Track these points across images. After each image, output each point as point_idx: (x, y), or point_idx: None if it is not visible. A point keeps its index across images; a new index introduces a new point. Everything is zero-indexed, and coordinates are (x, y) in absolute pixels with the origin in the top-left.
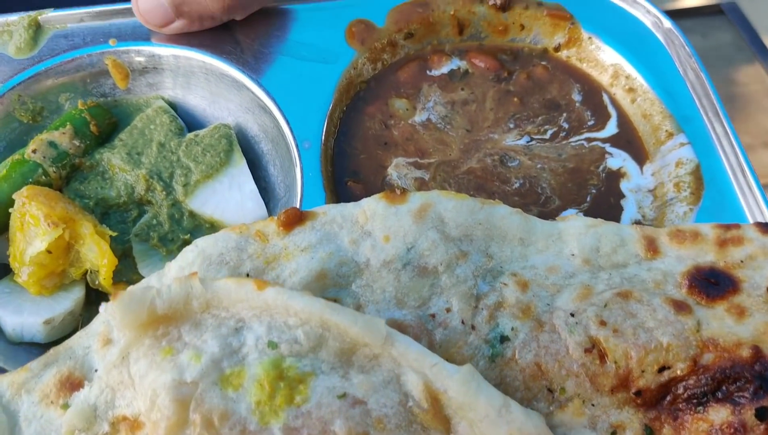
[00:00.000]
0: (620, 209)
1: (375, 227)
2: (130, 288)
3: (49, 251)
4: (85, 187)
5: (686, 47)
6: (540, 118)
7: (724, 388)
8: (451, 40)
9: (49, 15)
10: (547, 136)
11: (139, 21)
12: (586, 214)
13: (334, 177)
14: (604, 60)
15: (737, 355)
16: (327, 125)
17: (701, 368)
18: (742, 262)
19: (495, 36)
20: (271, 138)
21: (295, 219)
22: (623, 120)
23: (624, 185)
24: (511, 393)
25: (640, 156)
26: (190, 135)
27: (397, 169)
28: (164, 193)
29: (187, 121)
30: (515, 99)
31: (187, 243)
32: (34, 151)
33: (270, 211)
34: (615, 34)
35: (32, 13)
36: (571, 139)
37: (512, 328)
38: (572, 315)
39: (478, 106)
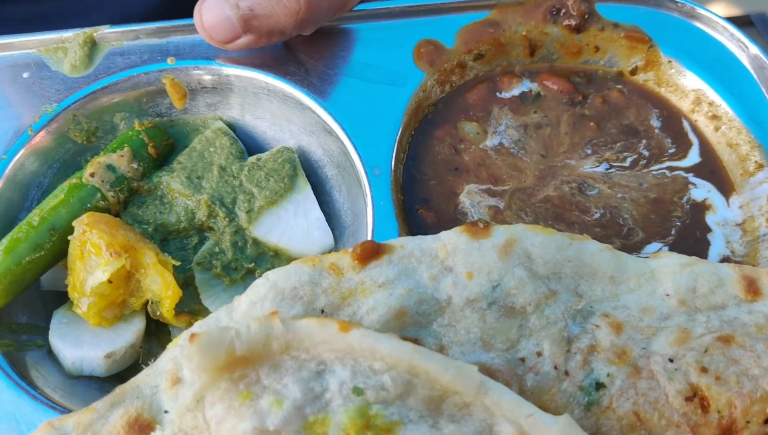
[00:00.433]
0: (707, 244)
1: (457, 263)
2: (208, 329)
3: (109, 281)
4: (144, 211)
5: None
6: (618, 144)
7: None
8: (521, 61)
9: (104, 32)
10: (627, 163)
11: (202, 37)
12: (671, 248)
13: (404, 205)
14: (684, 85)
15: None
16: (396, 150)
17: None
18: None
19: (567, 57)
20: (336, 163)
21: (372, 252)
22: (706, 148)
23: (710, 218)
24: None
25: (725, 187)
26: (252, 159)
27: (470, 197)
28: (227, 219)
29: (245, 143)
30: (591, 123)
31: (251, 272)
32: (92, 175)
33: (337, 240)
34: (697, 59)
35: (87, 30)
36: (652, 168)
37: (608, 374)
38: (671, 361)
39: (552, 130)
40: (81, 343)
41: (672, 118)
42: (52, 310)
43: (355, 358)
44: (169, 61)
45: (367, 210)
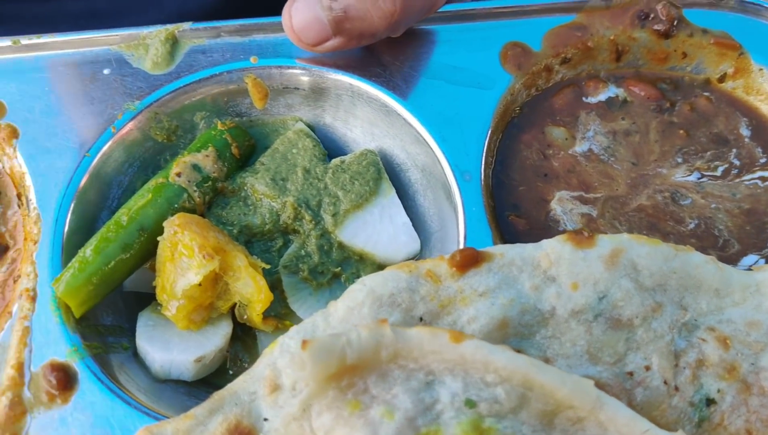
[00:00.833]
0: None
1: (560, 273)
2: (319, 336)
3: (199, 284)
4: (228, 213)
5: None
6: (708, 153)
7: None
8: (606, 66)
9: (185, 29)
10: (718, 172)
11: (284, 37)
12: None
13: (495, 211)
14: None
15: None
16: (486, 155)
17: None
18: None
19: (653, 63)
20: (420, 167)
21: (472, 260)
22: None
23: None
24: None
25: None
26: (336, 161)
27: (561, 204)
28: (312, 222)
29: (324, 145)
30: (680, 131)
31: (336, 277)
32: (178, 175)
33: (422, 246)
34: None
35: (169, 27)
36: (744, 178)
37: (718, 390)
38: None
39: (641, 137)
40: (170, 346)
41: (762, 127)
42: (133, 312)
43: (465, 370)
44: (252, 60)
45: (458, 216)
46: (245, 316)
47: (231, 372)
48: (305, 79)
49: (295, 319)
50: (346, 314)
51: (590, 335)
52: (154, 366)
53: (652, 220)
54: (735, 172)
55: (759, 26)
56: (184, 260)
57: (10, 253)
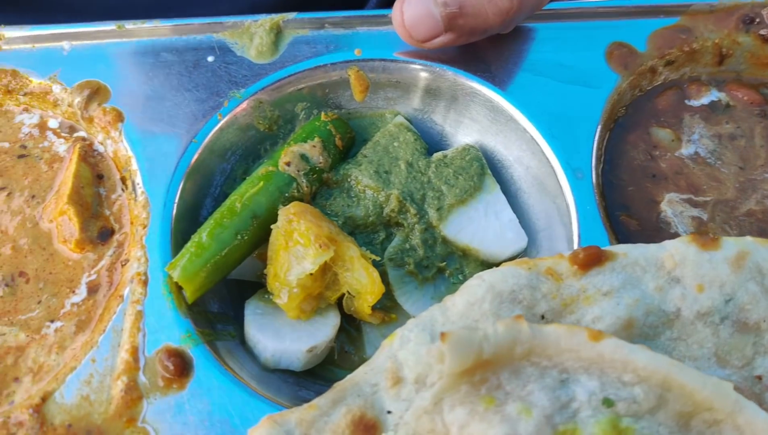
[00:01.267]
0: None
1: (685, 274)
2: (457, 330)
3: (310, 273)
4: (331, 203)
5: None
6: None
7: None
8: (708, 70)
9: (290, 19)
10: None
11: (397, 32)
12: None
13: (606, 210)
14: None
15: None
16: (595, 154)
17: None
18: None
19: (755, 68)
20: (525, 164)
21: (596, 259)
22: None
23: None
24: None
25: None
26: (438, 155)
27: (671, 206)
28: (417, 216)
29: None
30: None
31: (441, 271)
32: (287, 164)
33: (529, 244)
34: None
35: (274, 16)
36: None
37: None
38: None
39: (747, 142)
40: (282, 335)
41: None
42: (235, 300)
43: (601, 369)
44: (356, 52)
45: (571, 214)
46: (353, 308)
47: (337, 364)
48: (408, 72)
49: (400, 312)
50: (465, 309)
51: (717, 338)
52: (264, 354)
53: (762, 225)
54: None
55: None
56: (299, 249)
57: (116, 237)
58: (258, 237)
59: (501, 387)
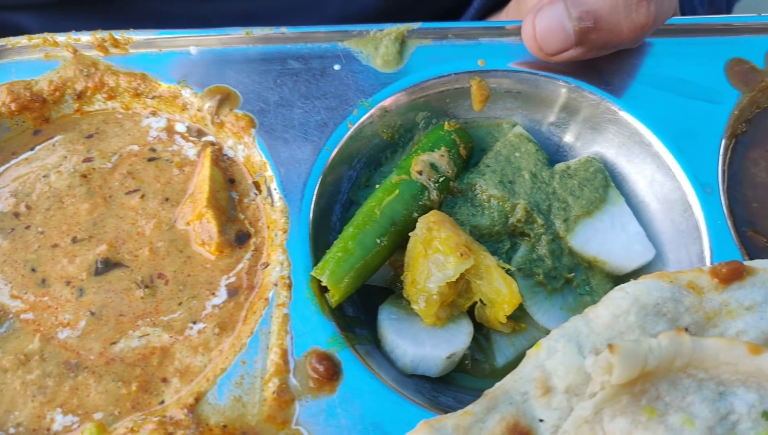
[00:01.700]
0: None
1: None
2: (625, 342)
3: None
4: (457, 212)
5: None
6: None
7: None
8: None
9: (414, 29)
10: None
11: (526, 45)
12: None
13: (735, 225)
14: None
15: None
16: (721, 169)
17: None
18: None
19: None
20: (648, 178)
21: (737, 273)
22: None
23: None
24: None
25: None
26: (561, 166)
27: None
28: (544, 226)
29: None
30: None
31: (569, 282)
32: (419, 172)
33: (655, 257)
34: None
35: (400, 26)
36: None
37: None
38: None
39: None
40: (421, 341)
41: None
42: (365, 305)
43: (759, 382)
44: (480, 63)
45: (700, 229)
46: (485, 316)
47: (470, 371)
48: (530, 84)
49: (528, 321)
50: (611, 321)
51: None
52: (404, 359)
53: None
54: None
55: None
56: (439, 257)
57: (253, 240)
58: (395, 243)
59: (660, 398)
